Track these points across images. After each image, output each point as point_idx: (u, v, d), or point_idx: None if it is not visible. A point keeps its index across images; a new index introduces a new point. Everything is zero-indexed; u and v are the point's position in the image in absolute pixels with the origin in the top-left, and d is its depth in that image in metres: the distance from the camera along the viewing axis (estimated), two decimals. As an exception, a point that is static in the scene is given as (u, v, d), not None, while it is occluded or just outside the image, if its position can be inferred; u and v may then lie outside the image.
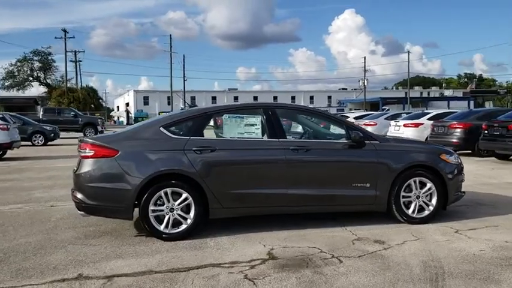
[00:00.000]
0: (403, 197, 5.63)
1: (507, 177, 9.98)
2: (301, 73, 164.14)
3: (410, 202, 5.66)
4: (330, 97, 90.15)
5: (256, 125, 5.49)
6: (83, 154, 5.17)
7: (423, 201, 5.68)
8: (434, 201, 5.70)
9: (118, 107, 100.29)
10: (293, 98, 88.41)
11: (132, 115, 78.62)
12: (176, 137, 5.26)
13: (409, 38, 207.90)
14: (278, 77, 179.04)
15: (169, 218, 5.07)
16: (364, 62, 72.95)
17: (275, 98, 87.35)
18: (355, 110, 56.17)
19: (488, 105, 62.80)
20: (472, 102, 63.37)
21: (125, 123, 75.31)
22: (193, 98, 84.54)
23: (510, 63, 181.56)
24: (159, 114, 54.48)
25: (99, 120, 31.26)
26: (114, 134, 5.53)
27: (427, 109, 36.23)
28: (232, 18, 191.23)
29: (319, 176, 5.48)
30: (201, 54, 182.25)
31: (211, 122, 5.56)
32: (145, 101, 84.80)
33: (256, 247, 4.78)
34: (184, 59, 67.19)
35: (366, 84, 72.45)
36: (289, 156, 5.33)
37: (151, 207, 5.02)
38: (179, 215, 5.10)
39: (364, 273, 3.97)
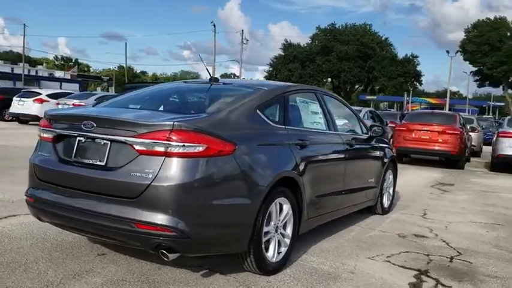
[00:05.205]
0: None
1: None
2: None
3: (383, 194, 5.91)
4: None
5: (318, 113, 4.45)
6: (177, 150, 2.85)
7: (388, 192, 6.05)
8: (391, 190, 6.16)
9: None
10: None
11: None
12: (275, 125, 3.64)
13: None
14: None
15: (275, 241, 3.53)
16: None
17: None
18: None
19: (101, 89, 65.81)
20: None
21: None
22: None
23: (91, 51, 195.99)
24: None
25: None
26: (207, 116, 3.19)
27: (40, 88, 31.71)
28: None
29: (359, 174, 5.01)
30: None
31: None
32: None
33: (368, 261, 4.01)
34: None
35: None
36: (347, 151, 4.64)
37: (264, 229, 3.36)
38: (282, 234, 3.62)
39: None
